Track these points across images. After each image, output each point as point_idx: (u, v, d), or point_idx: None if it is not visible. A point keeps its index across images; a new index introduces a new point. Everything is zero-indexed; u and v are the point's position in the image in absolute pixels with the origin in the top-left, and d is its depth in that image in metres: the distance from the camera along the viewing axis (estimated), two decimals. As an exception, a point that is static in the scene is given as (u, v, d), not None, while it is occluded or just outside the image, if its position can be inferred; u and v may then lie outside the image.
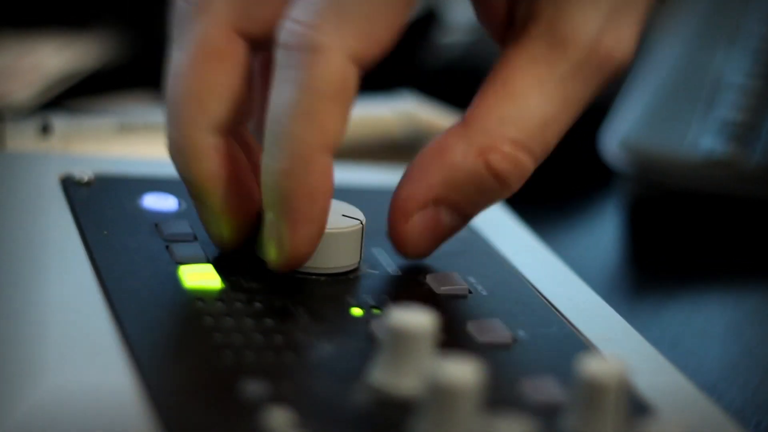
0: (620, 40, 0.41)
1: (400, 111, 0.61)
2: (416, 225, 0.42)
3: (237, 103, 0.41)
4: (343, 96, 0.39)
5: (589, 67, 0.41)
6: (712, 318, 0.57)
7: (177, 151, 0.41)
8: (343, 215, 0.43)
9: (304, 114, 0.38)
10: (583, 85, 0.41)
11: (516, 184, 0.42)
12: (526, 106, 0.41)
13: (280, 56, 0.39)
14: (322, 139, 0.39)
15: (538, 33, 0.41)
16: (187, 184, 0.42)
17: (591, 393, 0.35)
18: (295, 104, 0.38)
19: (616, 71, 0.42)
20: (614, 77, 0.42)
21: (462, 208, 0.42)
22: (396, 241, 0.43)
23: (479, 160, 0.41)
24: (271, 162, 0.39)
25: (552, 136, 0.41)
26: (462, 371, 0.33)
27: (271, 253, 0.41)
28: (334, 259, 0.42)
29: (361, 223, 0.43)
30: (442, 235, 0.43)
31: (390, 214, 0.42)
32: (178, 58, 0.41)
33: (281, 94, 0.39)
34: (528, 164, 0.41)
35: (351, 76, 0.39)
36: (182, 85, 0.41)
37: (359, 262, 0.44)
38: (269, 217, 0.40)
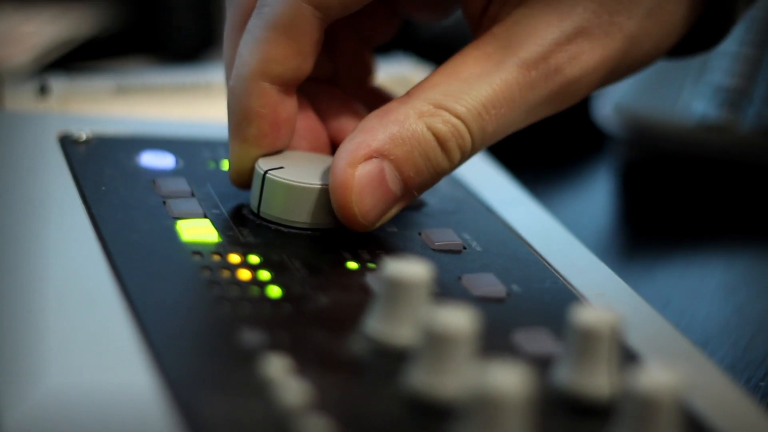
0: (575, 58, 0.43)
1: (396, 74, 0.61)
2: (362, 175, 0.42)
3: (301, 64, 0.43)
4: (291, 31, 0.42)
5: (537, 73, 0.42)
6: (703, 278, 0.58)
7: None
8: None
9: (252, 40, 0.42)
10: (528, 88, 0.42)
11: (456, 154, 0.42)
12: (468, 88, 0.42)
13: None
14: (264, 65, 0.42)
15: (497, 32, 0.43)
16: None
17: (584, 341, 0.35)
18: (249, 31, 0.42)
19: (567, 88, 0.43)
20: (568, 96, 0.43)
21: (405, 170, 0.42)
22: (341, 191, 0.42)
23: (420, 121, 0.42)
24: (229, 81, 0.43)
25: (490, 124, 0.42)
26: (457, 318, 0.34)
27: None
28: (330, 215, 0.43)
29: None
30: (385, 197, 0.42)
31: (335, 165, 0.42)
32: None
33: (249, 24, 0.43)
34: (466, 137, 0.42)
35: (303, 14, 0.42)
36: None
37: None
38: None
